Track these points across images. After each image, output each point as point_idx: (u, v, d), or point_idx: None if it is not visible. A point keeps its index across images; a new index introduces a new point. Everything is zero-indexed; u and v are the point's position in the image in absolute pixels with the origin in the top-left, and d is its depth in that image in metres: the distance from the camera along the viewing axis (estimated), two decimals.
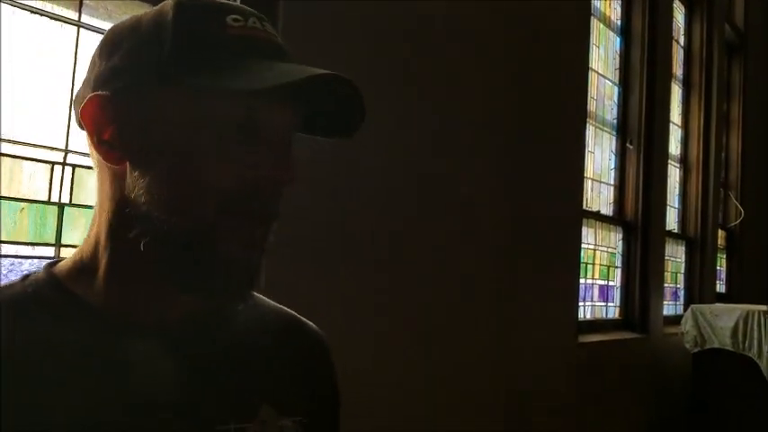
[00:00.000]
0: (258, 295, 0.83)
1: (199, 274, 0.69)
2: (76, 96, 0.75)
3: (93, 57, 0.75)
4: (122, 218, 0.70)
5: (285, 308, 0.85)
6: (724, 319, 4.68)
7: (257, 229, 0.71)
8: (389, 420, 2.51)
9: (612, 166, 4.84)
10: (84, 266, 0.72)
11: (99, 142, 0.71)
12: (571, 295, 3.91)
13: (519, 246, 3.35)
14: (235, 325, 0.76)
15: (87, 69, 0.75)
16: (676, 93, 5.93)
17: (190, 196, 0.68)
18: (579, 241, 4.02)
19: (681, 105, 6.12)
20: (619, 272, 4.80)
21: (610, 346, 4.35)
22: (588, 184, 4.32)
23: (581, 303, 4.13)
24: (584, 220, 4.21)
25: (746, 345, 4.56)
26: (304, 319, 0.87)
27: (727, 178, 7.03)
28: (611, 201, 4.82)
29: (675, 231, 5.88)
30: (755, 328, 4.52)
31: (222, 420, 0.69)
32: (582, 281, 4.14)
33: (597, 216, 4.50)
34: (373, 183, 2.45)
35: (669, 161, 5.48)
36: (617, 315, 4.77)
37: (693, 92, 6.20)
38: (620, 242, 4.81)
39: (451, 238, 2.88)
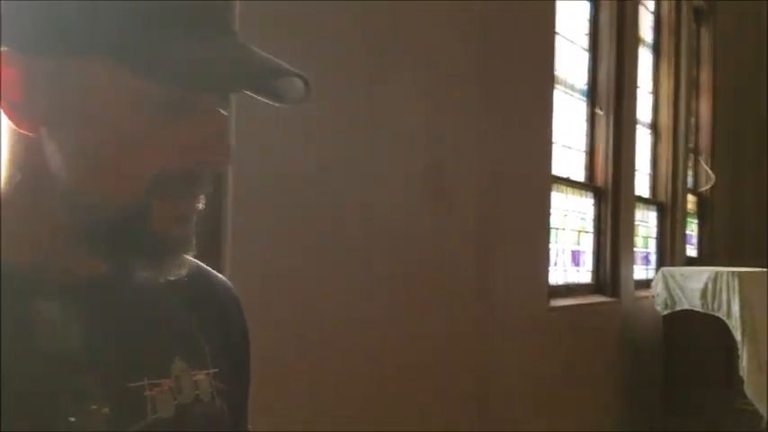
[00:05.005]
0: None
1: (134, 249, 0.67)
2: None
3: None
4: (39, 189, 0.65)
5: (192, 259, 0.78)
6: (693, 280, 4.75)
7: (192, 207, 0.68)
8: (371, 384, 2.53)
9: (583, 132, 4.86)
10: None
11: (9, 105, 0.64)
12: (543, 260, 3.95)
13: (491, 212, 3.37)
14: (144, 282, 0.73)
15: None
16: (646, 58, 5.95)
17: (116, 178, 0.64)
18: (549, 206, 4.05)
19: (651, 71, 6.15)
20: (590, 237, 4.85)
21: (581, 310, 4.40)
22: (558, 150, 4.34)
23: (552, 268, 4.17)
24: (555, 186, 4.24)
25: (715, 305, 4.63)
26: (212, 271, 0.84)
27: (697, 144, 7.09)
28: (582, 166, 4.85)
29: (646, 197, 5.93)
30: (724, 288, 4.60)
31: (135, 377, 0.68)
32: (553, 246, 4.18)
33: (568, 182, 4.53)
34: (342, 154, 2.45)
35: (639, 127, 5.51)
36: (589, 280, 4.83)
37: (663, 58, 6.22)
38: (592, 207, 4.85)
39: (422, 206, 2.88)
